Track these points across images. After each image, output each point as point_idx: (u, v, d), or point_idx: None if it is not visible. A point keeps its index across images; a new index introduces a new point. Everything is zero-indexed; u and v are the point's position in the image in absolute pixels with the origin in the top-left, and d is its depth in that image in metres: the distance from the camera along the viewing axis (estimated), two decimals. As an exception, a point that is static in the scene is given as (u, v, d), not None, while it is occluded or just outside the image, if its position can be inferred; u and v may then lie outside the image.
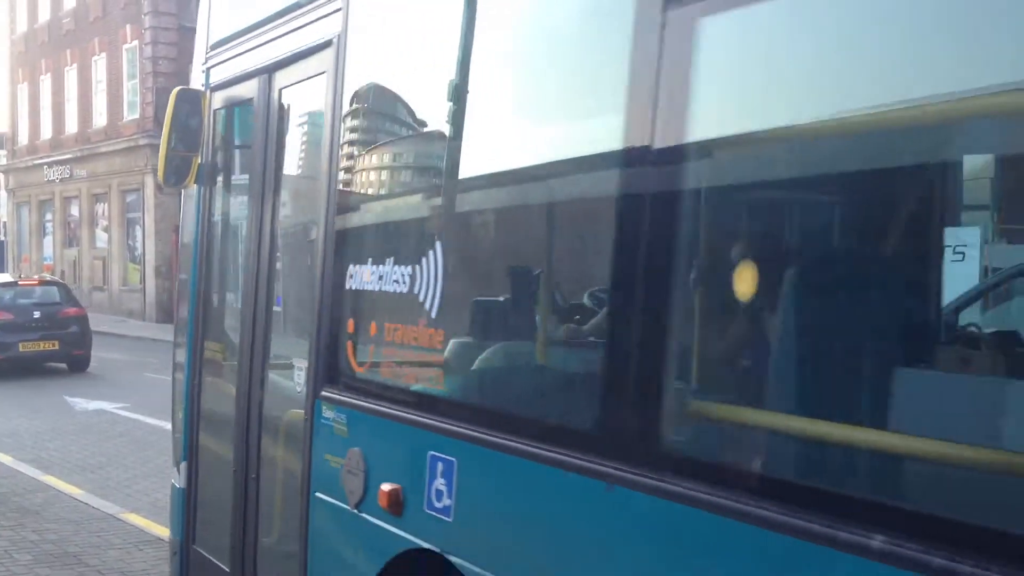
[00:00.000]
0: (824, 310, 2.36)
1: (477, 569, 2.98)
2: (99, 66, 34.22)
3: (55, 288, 19.93)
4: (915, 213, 2.27)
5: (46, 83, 37.65)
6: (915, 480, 2.07)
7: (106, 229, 34.03)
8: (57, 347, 18.48)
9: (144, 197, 31.51)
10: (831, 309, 2.34)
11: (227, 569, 4.76)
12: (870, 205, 2.31)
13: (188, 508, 5.25)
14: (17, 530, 8.17)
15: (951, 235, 2.38)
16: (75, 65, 35.50)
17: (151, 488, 9.74)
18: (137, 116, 31.82)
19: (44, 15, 37.55)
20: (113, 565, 7.31)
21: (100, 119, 34.31)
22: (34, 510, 8.83)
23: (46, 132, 37.78)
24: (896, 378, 2.15)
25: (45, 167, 36.99)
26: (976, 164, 2.34)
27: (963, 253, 2.43)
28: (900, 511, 1.95)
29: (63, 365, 19.42)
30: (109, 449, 11.82)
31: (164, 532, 8.14)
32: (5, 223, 42.77)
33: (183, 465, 5.31)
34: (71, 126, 36.01)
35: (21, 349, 18.08)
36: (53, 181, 36.62)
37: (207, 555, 5.04)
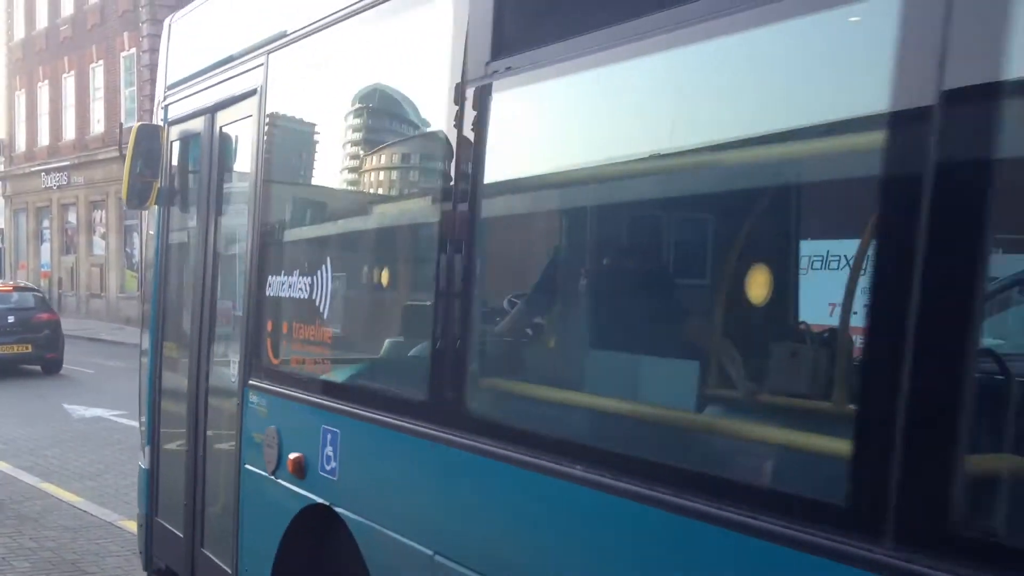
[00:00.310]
0: (582, 308, 3.33)
1: (354, 516, 3.83)
2: (97, 73, 34.27)
3: (29, 294, 20.83)
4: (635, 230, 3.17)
5: (44, 90, 37.69)
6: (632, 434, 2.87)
7: (104, 236, 34.05)
8: (31, 350, 19.29)
9: (142, 204, 31.49)
10: (593, 307, 3.27)
11: (181, 535, 5.60)
12: (610, 232, 3.26)
13: (152, 485, 6.13)
14: (15, 537, 8.18)
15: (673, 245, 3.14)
16: (73, 72, 35.55)
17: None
18: (135, 123, 31.87)
19: (42, 22, 37.60)
20: (111, 572, 7.32)
21: (98, 126, 34.35)
22: (32, 517, 8.84)
23: (44, 139, 37.82)
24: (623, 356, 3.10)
25: (43, 174, 37.01)
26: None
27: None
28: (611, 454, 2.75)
29: (67, 372, 19.58)
30: (107, 456, 11.84)
31: (162, 539, 8.18)
32: (2, 230, 42.78)
33: (147, 449, 6.20)
34: (69, 133, 36.05)
35: None
36: (51, 188, 36.64)
37: (166, 524, 5.90)
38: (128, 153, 6.10)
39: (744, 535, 2.24)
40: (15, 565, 7.44)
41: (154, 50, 30.74)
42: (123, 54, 32.49)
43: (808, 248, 3.18)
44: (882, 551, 1.96)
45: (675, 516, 2.43)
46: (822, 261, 3.31)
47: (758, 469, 2.49)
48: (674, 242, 3.07)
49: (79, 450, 12.21)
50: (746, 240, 2.67)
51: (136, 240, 31.86)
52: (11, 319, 19.18)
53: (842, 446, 2.10)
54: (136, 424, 11.94)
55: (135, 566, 7.37)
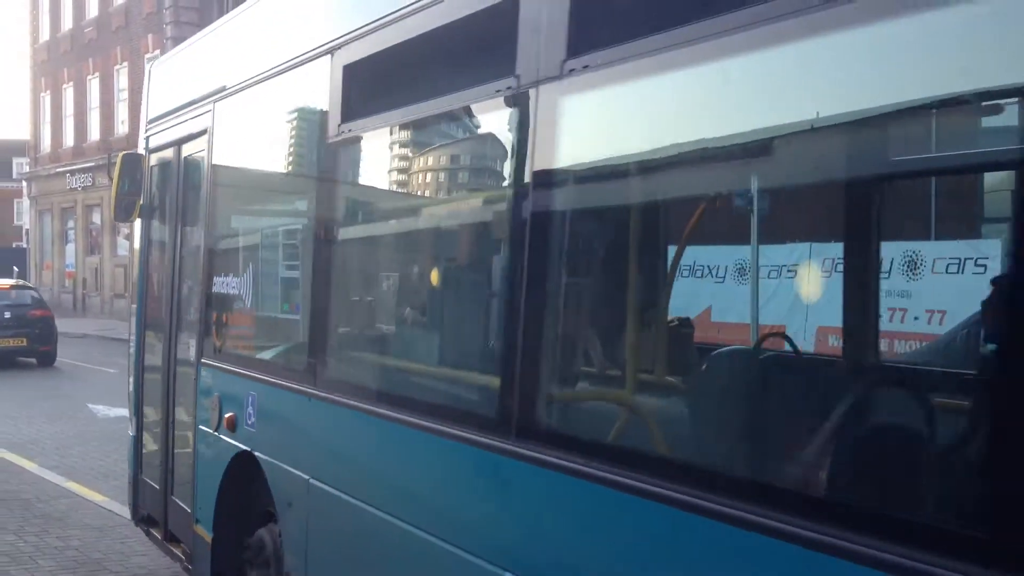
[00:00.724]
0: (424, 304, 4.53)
1: (264, 456, 5.13)
2: (121, 75, 34.50)
3: (26, 292, 22.42)
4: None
5: (69, 92, 37.98)
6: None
7: (128, 237, 34.25)
8: (25, 343, 20.85)
9: (165, 205, 31.72)
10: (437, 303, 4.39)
11: (157, 487, 6.91)
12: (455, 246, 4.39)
13: (137, 449, 7.46)
14: (42, 536, 8.25)
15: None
16: (98, 74, 35.80)
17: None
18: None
19: (67, 24, 37.88)
20: (136, 572, 7.39)
21: (122, 128, 34.56)
22: (58, 516, 8.92)
23: (68, 140, 38.10)
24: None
25: (67, 175, 37.29)
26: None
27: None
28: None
29: (91, 372, 19.72)
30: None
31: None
32: (27, 230, 43.11)
33: (133, 419, 7.53)
34: (94, 134, 36.30)
35: None
36: (75, 189, 36.91)
37: (148, 480, 7.21)
38: (115, 176, 7.45)
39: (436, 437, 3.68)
40: (41, 564, 7.51)
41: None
42: (147, 56, 32.67)
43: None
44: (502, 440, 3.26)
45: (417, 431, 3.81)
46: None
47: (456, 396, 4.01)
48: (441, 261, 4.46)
49: (104, 449, 12.28)
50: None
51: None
52: (7, 315, 20.52)
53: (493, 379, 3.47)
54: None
55: (160, 565, 7.44)
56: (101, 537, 8.27)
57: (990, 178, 2.77)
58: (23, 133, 45.07)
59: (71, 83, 37.75)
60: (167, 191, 7.03)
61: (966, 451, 2.38)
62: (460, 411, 3.74)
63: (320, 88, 4.67)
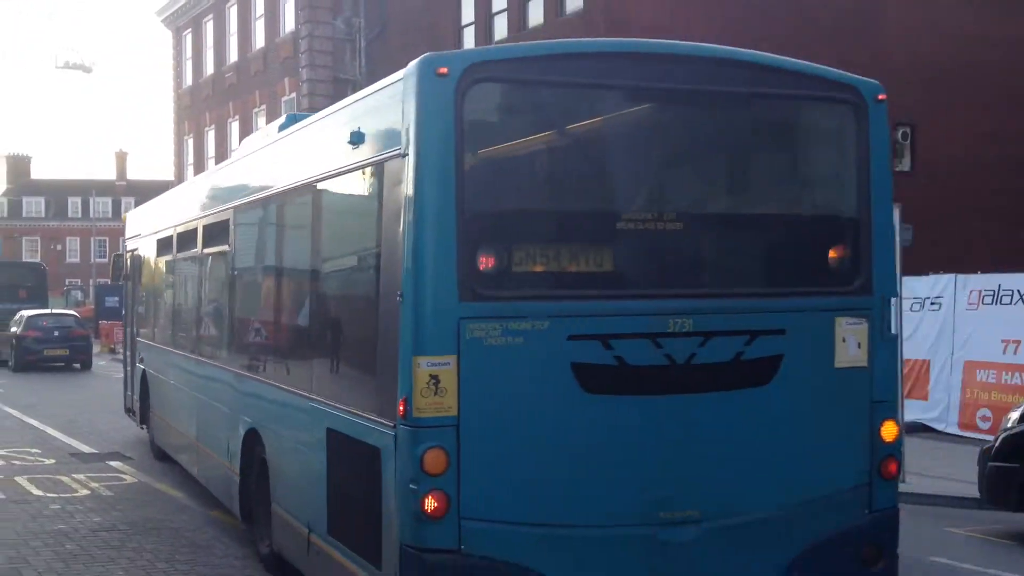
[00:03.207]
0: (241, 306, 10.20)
1: (151, 371, 14.14)
2: (259, 117, 35.74)
3: (70, 318, 33.43)
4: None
5: (210, 134, 39.52)
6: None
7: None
8: (68, 353, 31.47)
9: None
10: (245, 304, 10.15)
11: (128, 393, 16.05)
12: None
13: (125, 386, 16.45)
14: (192, 564, 8.52)
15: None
16: (237, 117, 37.17)
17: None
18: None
19: (208, 69, 39.48)
20: (281, 601, 7.53)
21: (259, 168, 35.73)
22: (205, 545, 9.20)
23: (209, 181, 39.62)
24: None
25: (208, 214, 38.64)
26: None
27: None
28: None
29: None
30: (272, 487, 12.20)
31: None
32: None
33: (127, 370, 16.39)
34: (232, 175, 37.64)
35: (45, 353, 30.89)
36: (215, 228, 38.20)
37: (129, 407, 16.06)
38: (112, 263, 17.87)
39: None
40: (192, 591, 7.75)
41: (313, 94, 31.91)
42: (284, 98, 33.81)
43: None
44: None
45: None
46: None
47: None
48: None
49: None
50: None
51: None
52: (56, 333, 31.31)
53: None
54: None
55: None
56: (245, 567, 8.48)
57: None
58: (168, 175, 47.05)
59: (212, 126, 39.28)
60: (130, 269, 16.09)
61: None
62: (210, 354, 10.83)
63: (162, 239, 13.51)
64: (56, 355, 30.89)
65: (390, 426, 5.73)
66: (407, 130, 5.72)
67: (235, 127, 37.46)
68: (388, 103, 6.09)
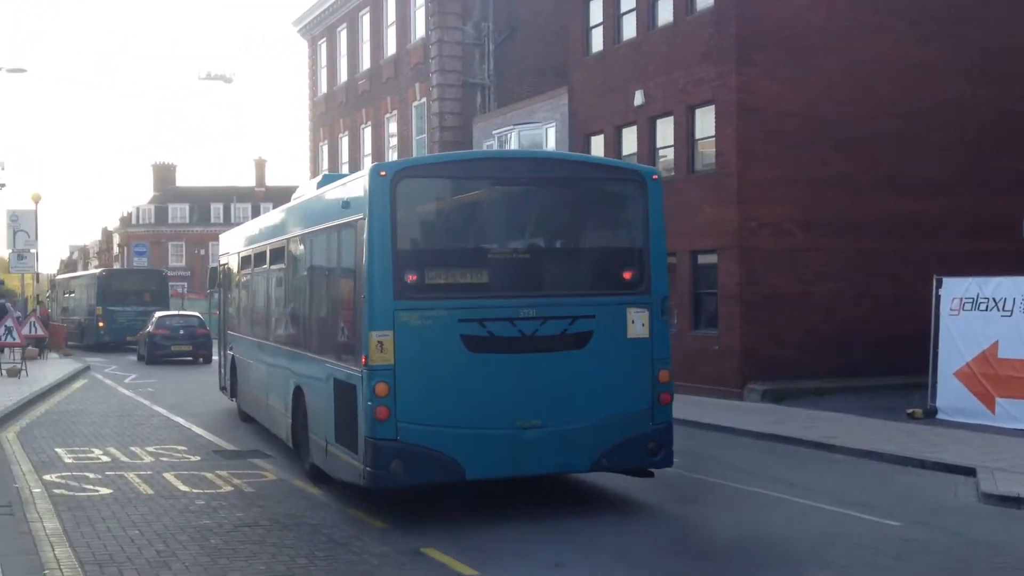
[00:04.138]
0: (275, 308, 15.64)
1: (239, 357, 18.38)
2: (391, 123, 36.40)
3: (195, 318, 37.72)
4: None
5: (344, 140, 40.42)
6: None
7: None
8: (191, 348, 36.00)
9: (431, 245, 33.01)
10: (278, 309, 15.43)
11: (227, 386, 19.68)
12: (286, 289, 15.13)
13: (220, 370, 20.63)
14: (330, 560, 8.70)
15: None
16: (370, 123, 37.91)
17: (448, 524, 10.12)
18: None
19: (342, 77, 40.39)
20: (417, 599, 7.61)
21: (391, 172, 36.34)
22: (343, 542, 9.37)
23: (343, 186, 40.48)
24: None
25: (342, 218, 39.47)
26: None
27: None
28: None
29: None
30: (406, 486, 12.38)
31: (464, 569, 8.45)
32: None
33: (222, 355, 20.47)
34: (365, 180, 38.39)
35: (172, 348, 35.93)
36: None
37: (224, 385, 20.03)
38: (209, 275, 23.83)
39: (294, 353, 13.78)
40: (331, 587, 7.92)
41: (444, 98, 32.32)
42: (414, 104, 34.35)
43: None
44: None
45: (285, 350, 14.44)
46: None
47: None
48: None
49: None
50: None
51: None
52: (182, 332, 36.19)
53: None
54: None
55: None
56: (383, 564, 8.61)
57: None
58: (303, 180, 48.22)
59: (346, 132, 40.16)
60: (222, 278, 20.32)
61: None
62: (279, 337, 14.83)
63: (243, 257, 18.15)
64: (181, 350, 35.78)
65: (359, 372, 10.20)
66: (365, 204, 10.24)
67: (367, 133, 38.21)
68: (358, 188, 10.63)
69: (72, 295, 50.94)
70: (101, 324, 43.60)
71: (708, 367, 21.78)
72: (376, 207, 10.08)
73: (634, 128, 24.58)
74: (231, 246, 19.70)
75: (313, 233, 12.87)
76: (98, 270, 56.44)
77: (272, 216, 16.57)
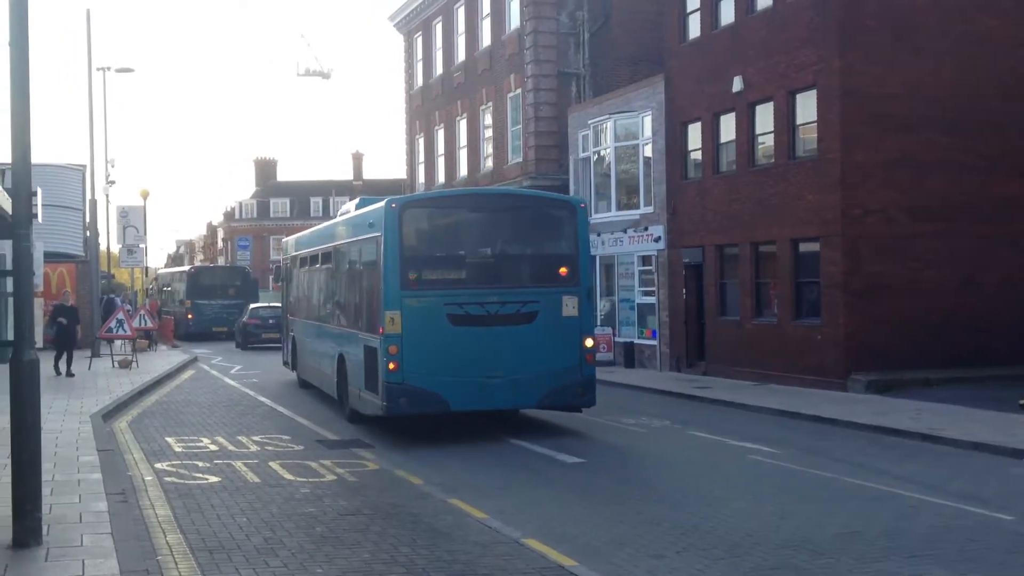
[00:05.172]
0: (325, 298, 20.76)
1: (295, 334, 24.01)
2: (486, 114, 36.52)
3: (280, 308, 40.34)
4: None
5: (440, 133, 40.70)
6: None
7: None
8: (279, 336, 34.10)
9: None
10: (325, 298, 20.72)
11: (290, 360, 24.86)
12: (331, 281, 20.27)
13: (284, 350, 26.00)
14: (432, 549, 8.78)
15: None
16: (465, 115, 38.10)
17: (548, 516, 10.13)
18: (520, 159, 33.58)
19: (438, 70, 40.65)
20: (519, 589, 7.64)
21: (487, 163, 36.57)
22: (444, 532, 9.45)
23: (440, 178, 40.80)
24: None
25: (439, 210, 39.79)
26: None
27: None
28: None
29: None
30: (506, 475, 12.47)
31: (565, 560, 8.44)
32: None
33: (287, 344, 25.26)
34: (462, 171, 38.66)
35: (263, 336, 39.58)
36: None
37: (287, 360, 25.31)
38: (273, 272, 32.05)
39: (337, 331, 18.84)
40: None
41: (538, 89, 32.29)
42: (509, 95, 34.39)
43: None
44: None
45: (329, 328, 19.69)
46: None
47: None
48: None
49: (482, 468, 12.93)
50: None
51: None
52: (271, 321, 38.61)
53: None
54: (529, 445, 12.54)
55: (541, 584, 7.70)
56: (484, 553, 8.65)
57: None
58: (400, 173, 48.76)
59: (441, 124, 40.43)
60: (284, 275, 25.81)
61: None
62: (327, 318, 19.91)
63: (301, 258, 23.49)
64: (270, 337, 38.56)
65: (378, 339, 15.07)
66: (381, 226, 15.26)
67: (463, 125, 38.40)
68: (379, 214, 15.52)
69: (168, 288, 55.03)
70: (190, 316, 47.39)
71: (809, 357, 21.40)
72: (389, 228, 15.12)
73: (732, 115, 24.24)
74: (290, 248, 25.48)
75: (349, 243, 17.96)
76: (187, 267, 61.32)
77: (321, 228, 22.45)
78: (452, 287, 15.32)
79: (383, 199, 16.01)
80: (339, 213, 21.09)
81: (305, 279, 22.86)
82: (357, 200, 19.66)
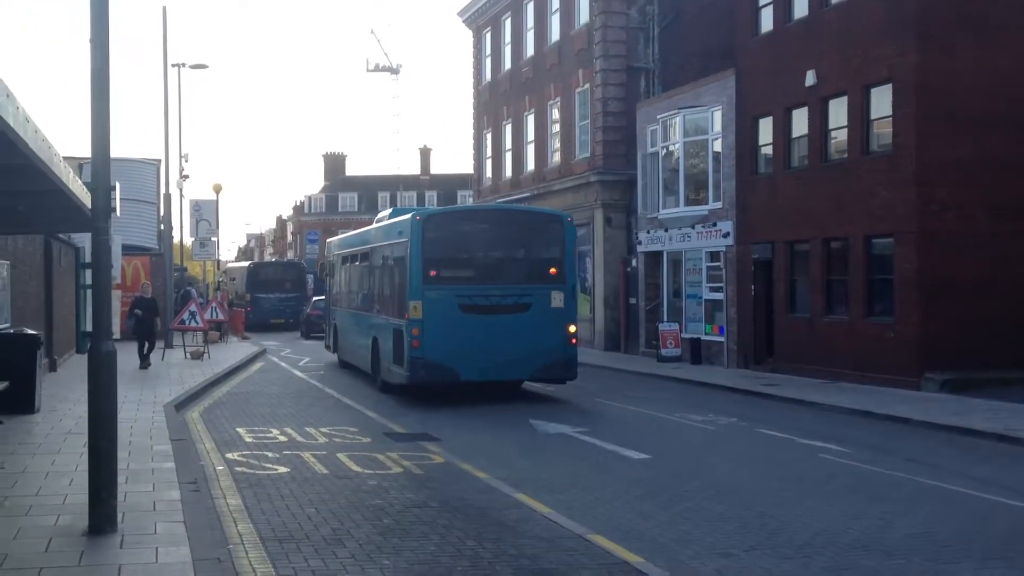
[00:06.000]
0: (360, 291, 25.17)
1: (336, 322, 28.60)
2: (553, 110, 36.47)
3: None
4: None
5: (507, 128, 40.74)
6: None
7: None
8: None
9: (593, 230, 33.04)
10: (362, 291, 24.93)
11: (331, 343, 29.35)
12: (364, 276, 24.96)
13: (327, 336, 30.46)
14: (498, 543, 8.79)
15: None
16: (533, 110, 38.09)
17: (614, 512, 10.09)
18: (587, 155, 33.48)
19: (506, 65, 40.70)
20: (585, 584, 7.61)
21: (554, 158, 36.52)
22: (510, 526, 9.46)
23: (507, 172, 40.87)
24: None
25: (506, 205, 39.88)
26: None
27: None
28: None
29: (531, 391, 20.97)
30: (573, 470, 12.42)
31: (631, 557, 8.39)
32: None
33: (330, 325, 29.72)
34: (529, 166, 38.66)
35: (322, 326, 38.52)
36: (513, 218, 39.41)
37: (329, 343, 29.95)
38: (320, 262, 37.95)
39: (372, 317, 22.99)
40: (499, 569, 8.00)
41: (607, 84, 32.17)
42: (577, 90, 34.31)
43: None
44: None
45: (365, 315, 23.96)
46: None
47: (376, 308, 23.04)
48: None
49: (547, 463, 12.93)
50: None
51: (588, 265, 33.43)
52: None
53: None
54: (596, 442, 12.55)
55: (607, 580, 7.66)
56: (550, 548, 8.64)
57: None
58: (467, 168, 48.89)
59: (509, 119, 40.47)
60: (329, 269, 29.87)
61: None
62: (363, 307, 24.11)
63: (343, 256, 27.84)
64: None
65: (403, 323, 19.13)
66: (408, 233, 19.39)
67: (531, 120, 38.39)
68: (405, 224, 19.63)
69: (233, 281, 58.67)
70: (249, 308, 49.62)
71: (882, 355, 21.03)
72: (414, 235, 19.00)
73: (804, 109, 23.91)
74: (332, 247, 30.19)
75: (383, 246, 21.80)
76: (248, 262, 66.13)
77: (359, 233, 26.64)
78: (463, 282, 19.24)
79: (411, 210, 20.50)
80: (375, 220, 24.98)
81: (345, 275, 27.23)
82: (390, 210, 23.59)
